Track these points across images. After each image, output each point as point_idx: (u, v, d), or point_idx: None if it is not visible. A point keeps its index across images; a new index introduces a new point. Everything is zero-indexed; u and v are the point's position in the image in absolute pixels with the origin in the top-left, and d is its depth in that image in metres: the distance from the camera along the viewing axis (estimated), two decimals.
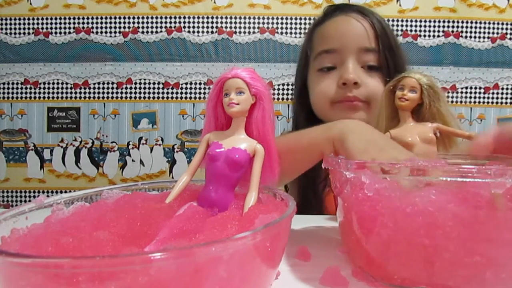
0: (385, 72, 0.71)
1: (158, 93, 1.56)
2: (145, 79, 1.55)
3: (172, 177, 1.57)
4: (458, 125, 0.48)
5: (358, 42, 0.71)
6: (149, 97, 1.56)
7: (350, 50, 0.70)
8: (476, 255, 0.29)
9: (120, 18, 1.53)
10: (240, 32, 1.54)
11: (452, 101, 1.55)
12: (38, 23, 1.53)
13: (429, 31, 1.54)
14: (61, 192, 1.56)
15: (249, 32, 1.54)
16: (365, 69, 0.72)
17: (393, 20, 1.53)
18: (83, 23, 1.53)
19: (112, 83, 1.55)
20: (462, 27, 1.53)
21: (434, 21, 1.53)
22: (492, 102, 1.56)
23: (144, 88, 1.55)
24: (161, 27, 1.54)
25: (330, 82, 0.72)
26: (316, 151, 0.49)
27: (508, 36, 1.53)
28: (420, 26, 1.54)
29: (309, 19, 1.53)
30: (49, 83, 1.55)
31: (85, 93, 1.56)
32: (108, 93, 1.56)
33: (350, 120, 0.48)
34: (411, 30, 1.54)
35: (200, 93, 1.56)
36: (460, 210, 0.29)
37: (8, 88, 1.55)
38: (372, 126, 0.47)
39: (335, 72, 0.72)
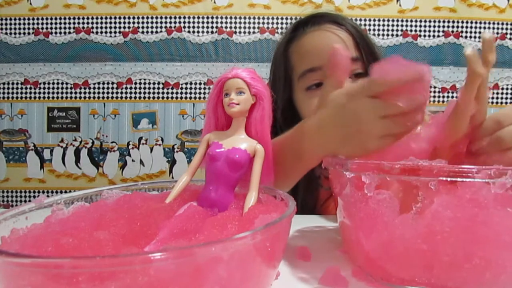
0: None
1: (158, 93, 1.56)
2: (145, 79, 1.55)
3: (172, 177, 1.57)
4: None
5: None
6: (149, 97, 1.56)
7: None
8: (475, 258, 0.29)
9: (120, 18, 1.53)
10: (240, 32, 1.54)
11: None
12: (38, 23, 1.53)
13: (429, 31, 1.54)
14: (61, 192, 1.56)
15: (249, 32, 1.54)
16: (352, 78, 0.70)
17: (393, 20, 1.53)
18: (83, 23, 1.53)
19: (112, 83, 1.55)
20: (462, 27, 1.53)
21: (434, 21, 1.53)
22: (492, 102, 1.56)
23: (144, 88, 1.55)
24: (161, 27, 1.53)
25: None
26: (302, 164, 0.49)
27: (508, 36, 1.53)
28: (420, 26, 1.54)
29: None
30: (49, 83, 1.55)
31: (85, 93, 1.56)
32: (108, 93, 1.56)
33: (308, 129, 0.45)
34: (411, 30, 1.54)
35: (200, 93, 1.56)
36: (459, 212, 0.29)
37: (8, 88, 1.55)
38: (322, 116, 0.43)
39: (322, 86, 0.71)
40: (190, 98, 1.56)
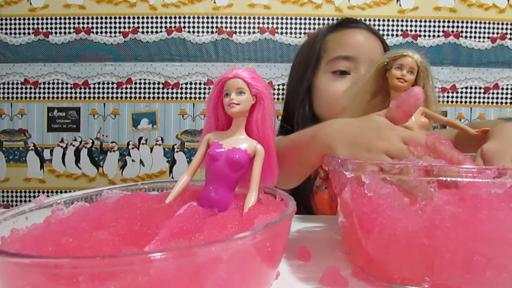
0: None
1: (158, 93, 1.56)
2: (145, 79, 1.55)
3: (172, 177, 1.56)
4: (438, 110, 0.47)
5: (371, 55, 0.77)
6: (149, 97, 1.56)
7: (364, 60, 0.77)
8: (476, 255, 0.29)
9: (120, 18, 1.53)
10: (240, 32, 1.54)
11: (452, 101, 1.55)
12: (38, 23, 1.53)
13: (429, 31, 1.54)
14: (61, 192, 1.56)
15: (249, 32, 1.54)
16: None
17: (393, 20, 1.53)
18: (83, 23, 1.53)
19: (112, 83, 1.55)
20: (462, 27, 1.53)
21: (434, 21, 1.53)
22: (492, 102, 1.56)
23: (144, 88, 1.55)
24: (161, 27, 1.53)
25: (345, 86, 0.76)
26: (307, 162, 0.50)
27: (508, 36, 1.53)
28: (420, 26, 1.54)
29: (309, 19, 1.53)
30: (49, 83, 1.55)
31: (85, 93, 1.55)
32: (108, 93, 1.56)
33: (329, 126, 0.47)
34: (411, 30, 1.53)
35: (200, 93, 1.56)
36: (459, 211, 0.29)
37: (8, 88, 1.55)
38: (353, 120, 0.46)
39: (349, 77, 0.78)
40: (190, 98, 1.56)
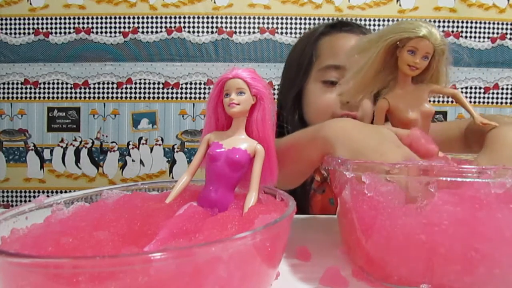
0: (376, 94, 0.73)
1: (158, 93, 1.56)
2: (145, 79, 1.55)
3: (172, 177, 1.57)
4: (447, 82, 0.44)
5: None
6: (149, 97, 1.56)
7: None
8: (471, 251, 0.29)
9: (120, 18, 1.53)
10: (240, 32, 1.54)
11: (452, 101, 1.55)
12: (38, 23, 1.53)
13: None
14: (61, 192, 1.56)
15: (249, 32, 1.54)
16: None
17: (393, 20, 1.53)
18: (83, 23, 1.53)
19: (112, 83, 1.55)
20: (462, 27, 1.53)
21: (434, 21, 1.53)
22: (492, 102, 1.56)
23: (144, 88, 1.55)
24: (161, 27, 1.54)
25: (335, 97, 0.74)
26: (308, 160, 0.50)
27: (508, 36, 1.53)
28: None
29: (309, 19, 1.53)
30: (49, 83, 1.55)
31: (85, 93, 1.56)
32: (108, 93, 1.56)
33: (335, 124, 0.45)
34: None
35: (200, 93, 1.56)
36: (458, 210, 0.29)
37: (8, 88, 1.55)
38: (360, 124, 0.45)
39: (339, 86, 0.75)
40: (190, 98, 1.56)
